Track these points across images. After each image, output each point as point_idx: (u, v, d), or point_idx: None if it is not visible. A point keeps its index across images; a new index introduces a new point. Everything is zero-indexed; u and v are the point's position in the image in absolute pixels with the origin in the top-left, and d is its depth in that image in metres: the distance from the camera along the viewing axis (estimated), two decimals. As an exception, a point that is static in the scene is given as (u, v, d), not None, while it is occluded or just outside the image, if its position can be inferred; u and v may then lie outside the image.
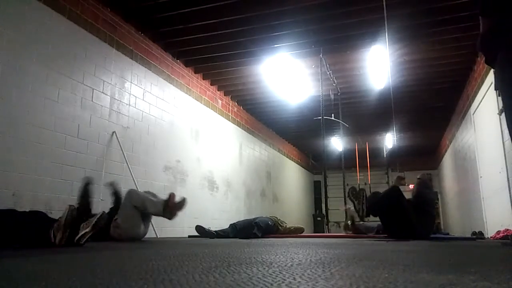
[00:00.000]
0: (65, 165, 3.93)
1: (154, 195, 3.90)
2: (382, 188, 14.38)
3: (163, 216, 3.70)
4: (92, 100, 4.38)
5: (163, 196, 3.82)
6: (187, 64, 6.37)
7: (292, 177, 12.51)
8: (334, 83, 6.99)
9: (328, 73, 6.51)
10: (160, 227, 4.93)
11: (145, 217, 3.80)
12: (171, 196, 3.65)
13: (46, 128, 3.75)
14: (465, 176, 8.29)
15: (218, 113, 7.41)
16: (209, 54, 6.07)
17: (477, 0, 2.15)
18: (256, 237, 4.60)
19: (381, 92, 7.14)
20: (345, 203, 3.69)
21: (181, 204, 3.78)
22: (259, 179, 9.38)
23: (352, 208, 3.90)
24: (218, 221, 6.66)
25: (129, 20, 5.04)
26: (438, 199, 13.57)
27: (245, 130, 8.64)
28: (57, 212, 3.74)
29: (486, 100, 5.84)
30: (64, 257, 1.90)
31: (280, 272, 1.09)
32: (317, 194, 14.87)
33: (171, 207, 3.62)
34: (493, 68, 2.17)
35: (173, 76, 6.01)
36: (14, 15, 3.55)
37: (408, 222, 3.89)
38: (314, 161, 14.34)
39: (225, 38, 5.54)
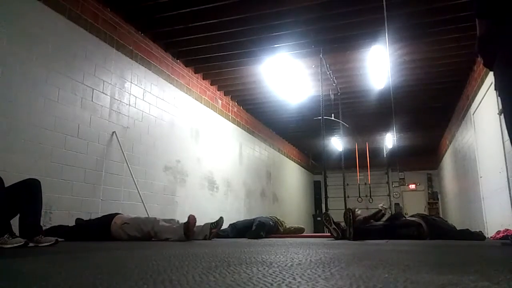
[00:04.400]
0: (65, 165, 3.92)
1: (170, 221, 3.86)
2: (382, 188, 14.38)
3: (190, 239, 3.64)
4: (92, 100, 4.38)
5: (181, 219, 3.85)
6: (187, 64, 6.37)
7: (292, 177, 12.51)
8: (334, 83, 6.98)
9: (328, 73, 6.51)
10: (160, 227, 4.92)
11: (150, 238, 3.80)
12: (190, 219, 3.62)
13: (46, 128, 3.75)
14: (465, 176, 8.29)
15: (218, 113, 7.41)
16: (209, 54, 6.07)
17: (473, 2, 2.15)
18: (261, 237, 4.59)
19: (381, 92, 7.13)
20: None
21: (219, 223, 3.94)
22: (259, 179, 9.38)
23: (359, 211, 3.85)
24: (218, 221, 6.65)
25: (129, 20, 5.04)
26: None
27: (245, 130, 8.64)
28: (56, 212, 3.75)
29: (486, 100, 5.84)
30: (64, 257, 1.90)
31: (280, 272, 1.09)
32: (317, 194, 14.87)
33: (191, 231, 3.60)
34: (492, 71, 2.17)
35: (173, 76, 6.01)
36: (14, 15, 3.55)
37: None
38: (314, 161, 14.34)
39: (225, 38, 5.54)
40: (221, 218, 4.15)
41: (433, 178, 14.74)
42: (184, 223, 3.63)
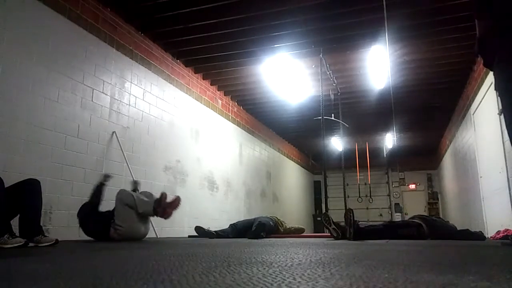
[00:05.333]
0: (65, 165, 3.93)
1: (150, 195, 3.89)
2: (382, 188, 14.38)
3: (155, 216, 3.71)
4: (92, 100, 4.38)
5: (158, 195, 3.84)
6: (187, 64, 6.37)
7: (292, 177, 12.51)
8: (334, 83, 6.98)
9: (328, 73, 6.51)
10: (160, 227, 4.93)
11: (143, 216, 3.79)
12: (163, 196, 3.64)
13: (46, 128, 3.75)
14: (465, 176, 8.29)
15: (218, 113, 7.41)
16: (209, 54, 6.07)
17: (473, 3, 2.16)
18: (262, 237, 4.59)
19: (381, 92, 7.13)
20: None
21: (176, 203, 3.78)
22: (259, 179, 9.38)
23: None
24: (218, 221, 6.66)
25: (129, 20, 5.04)
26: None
27: (245, 130, 8.64)
28: (56, 212, 3.75)
29: (486, 100, 5.84)
30: (64, 257, 1.91)
31: (280, 272, 1.09)
32: (317, 194, 14.87)
33: (162, 208, 3.62)
34: (492, 71, 2.18)
35: (173, 76, 6.01)
36: (14, 15, 3.55)
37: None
38: (314, 161, 14.34)
39: (225, 38, 5.54)
40: (178, 197, 3.86)
41: (433, 178, 14.74)
42: (156, 199, 3.64)
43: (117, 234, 3.58)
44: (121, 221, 3.60)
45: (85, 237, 3.82)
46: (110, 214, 3.79)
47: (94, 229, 3.67)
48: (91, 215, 3.69)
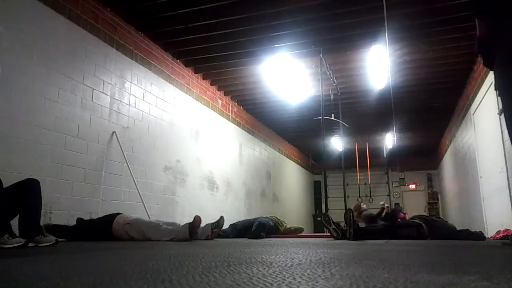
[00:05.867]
0: (65, 165, 3.92)
1: (172, 224, 3.90)
2: (382, 188, 14.34)
3: (193, 239, 3.73)
4: (92, 100, 4.38)
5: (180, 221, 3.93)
6: (187, 64, 6.37)
7: (292, 177, 12.51)
8: (334, 83, 6.98)
9: (328, 73, 6.50)
10: (160, 227, 4.92)
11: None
12: (196, 220, 3.68)
13: (46, 128, 3.75)
14: (465, 176, 8.29)
15: (218, 113, 7.41)
16: (209, 54, 6.07)
17: (473, 2, 2.16)
18: (262, 237, 4.60)
19: (381, 92, 7.13)
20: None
21: (221, 223, 4.01)
22: (259, 179, 9.38)
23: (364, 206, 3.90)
24: (218, 221, 6.65)
25: (129, 20, 5.04)
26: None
27: (245, 130, 8.64)
28: (56, 212, 3.75)
29: (486, 100, 5.84)
30: (64, 257, 1.91)
31: (280, 272, 1.09)
32: (317, 194, 14.87)
33: (196, 231, 3.68)
34: (492, 70, 2.18)
35: (173, 76, 6.01)
36: (14, 15, 3.55)
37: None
38: (314, 161, 14.34)
39: (225, 38, 5.54)
40: (222, 217, 4.18)
41: (433, 178, 14.74)
42: (190, 223, 3.66)
43: (119, 234, 3.58)
44: (132, 230, 3.61)
45: (85, 237, 3.81)
46: (112, 216, 3.78)
47: (97, 230, 3.67)
48: (89, 223, 3.71)
